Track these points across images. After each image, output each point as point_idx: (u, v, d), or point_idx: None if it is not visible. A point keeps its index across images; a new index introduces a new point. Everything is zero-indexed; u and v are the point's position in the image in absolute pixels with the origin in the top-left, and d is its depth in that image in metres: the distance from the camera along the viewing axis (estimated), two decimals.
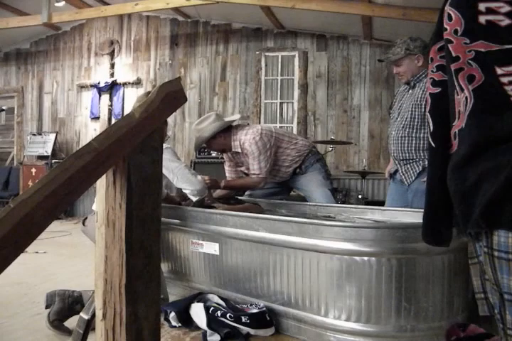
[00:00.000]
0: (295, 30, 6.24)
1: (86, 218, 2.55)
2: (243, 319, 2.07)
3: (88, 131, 7.31)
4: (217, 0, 5.27)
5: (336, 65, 6.13)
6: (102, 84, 7.02)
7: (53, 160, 6.76)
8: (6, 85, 7.87)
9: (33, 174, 6.79)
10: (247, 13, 5.92)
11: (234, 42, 6.54)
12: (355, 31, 5.80)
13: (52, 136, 7.02)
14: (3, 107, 5.32)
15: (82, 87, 7.31)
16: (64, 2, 5.95)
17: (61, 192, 0.88)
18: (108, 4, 6.33)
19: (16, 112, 7.77)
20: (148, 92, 1.22)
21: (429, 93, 1.08)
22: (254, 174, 3.12)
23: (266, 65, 6.44)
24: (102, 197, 1.11)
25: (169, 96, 1.20)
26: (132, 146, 1.06)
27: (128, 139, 1.04)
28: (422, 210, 1.11)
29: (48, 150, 6.90)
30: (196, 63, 6.72)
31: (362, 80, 6.02)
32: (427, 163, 1.96)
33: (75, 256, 4.01)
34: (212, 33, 6.66)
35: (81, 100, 7.37)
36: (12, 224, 0.78)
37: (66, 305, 2.17)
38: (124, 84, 7.02)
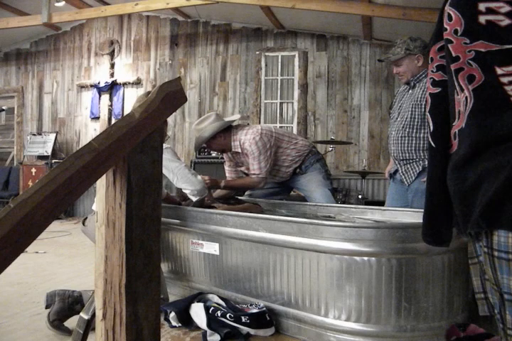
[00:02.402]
0: (295, 30, 6.24)
1: (86, 218, 2.55)
2: (243, 319, 2.07)
3: (88, 131, 7.31)
4: (217, 0, 5.27)
5: (336, 65, 6.12)
6: (102, 84, 7.02)
7: (53, 160, 6.76)
8: (6, 85, 7.87)
9: (33, 174, 6.79)
10: (247, 13, 5.92)
11: (234, 42, 6.54)
12: (355, 31, 5.80)
13: (52, 136, 7.03)
14: (3, 107, 5.32)
15: (82, 87, 7.31)
16: (64, 2, 5.95)
17: (61, 192, 0.88)
18: (108, 4, 6.33)
19: (16, 112, 7.78)
20: (148, 92, 1.22)
21: (429, 93, 1.08)
22: (254, 174, 3.12)
23: (266, 65, 6.44)
24: (102, 197, 1.11)
25: (169, 96, 1.20)
26: (132, 146, 1.06)
27: (128, 139, 1.04)
28: (422, 210, 1.11)
29: (48, 150, 6.90)
30: (196, 63, 6.72)
31: (362, 80, 6.02)
32: (427, 163, 1.96)
33: (74, 256, 4.01)
34: (212, 33, 6.65)
35: (81, 100, 7.37)
36: (12, 224, 0.78)
37: (66, 305, 2.17)
38: (124, 84, 7.02)
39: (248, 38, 6.46)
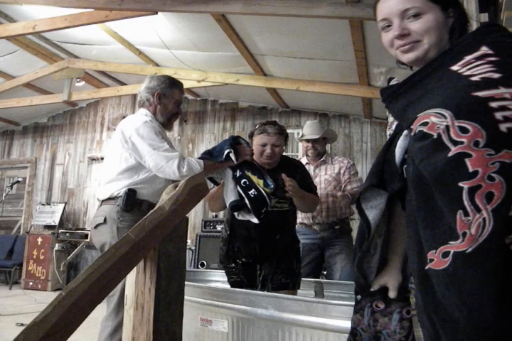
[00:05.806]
0: (299, 109, 6.58)
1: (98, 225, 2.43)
2: None
3: (96, 202, 7.44)
4: (226, 82, 5.65)
5: (338, 142, 6.38)
6: None
7: (60, 230, 6.82)
8: (21, 156, 8.17)
9: (39, 243, 6.83)
10: (254, 94, 6.27)
11: (240, 119, 6.87)
12: (355, 110, 6.12)
13: (61, 206, 7.16)
14: (19, 179, 5.53)
15: (92, 159, 7.57)
16: (84, 82, 6.38)
17: (103, 281, 0.99)
18: (124, 84, 6.77)
19: (27, 182, 7.99)
20: (176, 185, 1.37)
21: None
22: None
23: None
24: (132, 282, 1.22)
25: (194, 190, 1.36)
26: (163, 236, 1.19)
27: (160, 230, 1.18)
28: None
29: (55, 220, 7.01)
30: (204, 139, 7.02)
31: (364, 156, 6.26)
32: None
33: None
34: (220, 111, 7.01)
35: (91, 172, 7.60)
36: (62, 311, 0.90)
37: None
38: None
39: (254, 115, 6.80)
